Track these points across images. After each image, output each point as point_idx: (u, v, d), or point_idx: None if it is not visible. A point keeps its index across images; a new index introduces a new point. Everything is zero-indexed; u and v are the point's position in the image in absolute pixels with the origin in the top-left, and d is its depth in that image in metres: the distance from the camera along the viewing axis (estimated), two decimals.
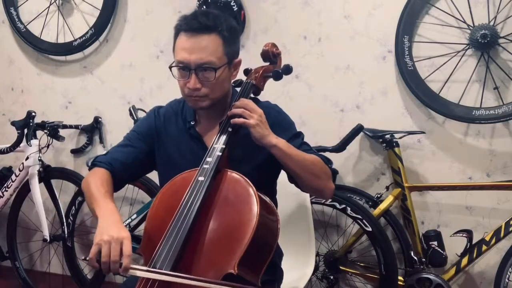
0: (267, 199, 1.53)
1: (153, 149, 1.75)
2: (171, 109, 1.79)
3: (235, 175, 1.53)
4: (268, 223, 1.49)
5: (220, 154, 1.54)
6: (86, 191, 1.58)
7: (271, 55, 1.76)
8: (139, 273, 1.38)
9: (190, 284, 1.34)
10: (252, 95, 1.72)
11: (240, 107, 1.57)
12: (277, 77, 1.71)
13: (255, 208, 1.43)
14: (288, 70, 1.72)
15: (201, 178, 1.50)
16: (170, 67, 1.62)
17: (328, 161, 1.69)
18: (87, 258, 1.36)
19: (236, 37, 1.66)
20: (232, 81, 1.74)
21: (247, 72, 1.77)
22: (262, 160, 1.67)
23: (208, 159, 1.54)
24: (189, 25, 1.57)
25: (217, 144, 1.57)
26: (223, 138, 1.58)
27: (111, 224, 1.40)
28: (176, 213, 1.47)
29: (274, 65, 1.78)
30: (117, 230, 1.37)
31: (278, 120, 1.69)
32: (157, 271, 1.37)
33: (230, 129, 1.59)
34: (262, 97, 1.76)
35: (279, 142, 1.57)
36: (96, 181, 1.58)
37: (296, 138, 1.70)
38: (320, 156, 1.67)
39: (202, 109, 1.66)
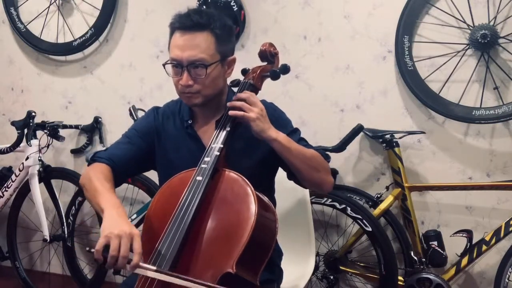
0: (265, 198, 1.53)
1: (153, 148, 1.75)
2: (168, 109, 1.80)
3: (233, 174, 1.53)
4: (266, 222, 1.49)
5: (218, 153, 1.54)
6: (88, 185, 1.57)
7: (268, 54, 1.76)
8: (149, 273, 1.35)
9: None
10: None
11: (241, 99, 1.57)
12: (275, 76, 1.71)
13: (253, 207, 1.43)
14: (285, 69, 1.72)
15: (199, 178, 1.51)
16: (164, 65, 1.64)
17: (326, 156, 1.70)
18: (92, 250, 1.34)
19: (230, 35, 1.68)
20: (230, 80, 1.74)
21: (244, 72, 1.76)
22: (262, 154, 1.68)
23: (206, 159, 1.54)
24: (182, 23, 1.60)
25: (215, 143, 1.57)
26: (221, 137, 1.58)
27: (119, 218, 1.39)
28: (174, 213, 1.47)
29: (272, 65, 1.78)
30: (127, 226, 1.36)
31: (275, 118, 1.69)
32: (165, 272, 1.35)
33: (228, 128, 1.59)
34: (262, 96, 1.75)
35: (280, 136, 1.58)
36: (99, 175, 1.57)
37: (294, 133, 1.71)
38: (318, 151, 1.68)
39: (196, 106, 1.67)
